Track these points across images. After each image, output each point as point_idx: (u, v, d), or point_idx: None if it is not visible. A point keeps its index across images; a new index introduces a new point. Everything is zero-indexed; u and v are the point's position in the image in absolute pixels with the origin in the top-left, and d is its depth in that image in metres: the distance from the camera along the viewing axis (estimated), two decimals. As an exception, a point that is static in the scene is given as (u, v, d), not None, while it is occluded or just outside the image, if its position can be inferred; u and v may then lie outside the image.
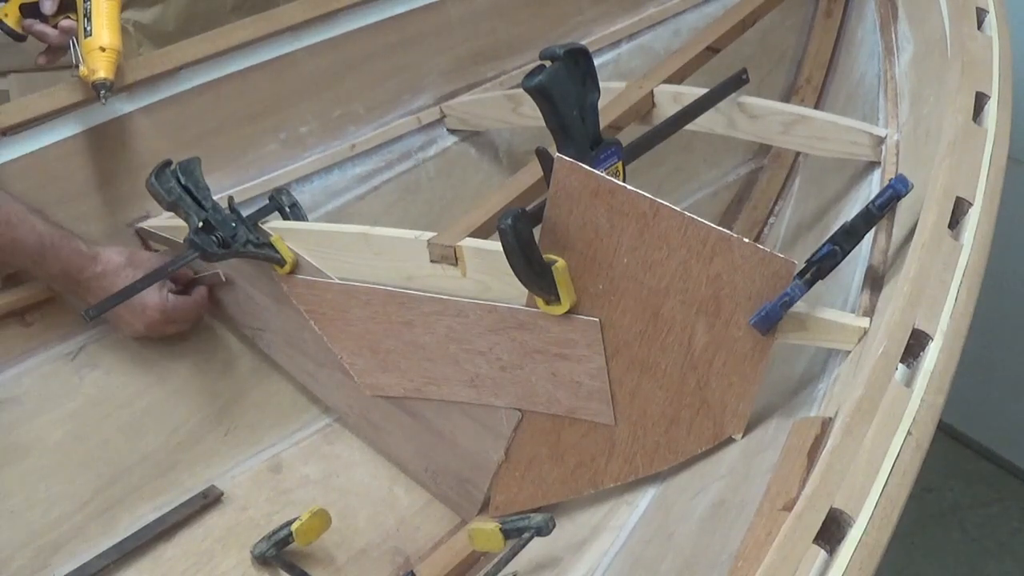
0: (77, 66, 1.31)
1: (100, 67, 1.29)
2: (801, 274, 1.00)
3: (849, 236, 1.03)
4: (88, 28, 1.30)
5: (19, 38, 1.37)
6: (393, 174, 1.63)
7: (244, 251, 1.27)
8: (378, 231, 1.23)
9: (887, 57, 1.49)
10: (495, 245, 1.07)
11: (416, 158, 1.66)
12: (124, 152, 1.40)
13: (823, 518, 0.70)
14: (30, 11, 1.35)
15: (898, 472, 0.73)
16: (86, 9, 1.30)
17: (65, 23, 1.34)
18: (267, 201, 1.39)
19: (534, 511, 1.25)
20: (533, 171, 1.29)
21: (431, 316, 1.22)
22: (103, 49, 1.29)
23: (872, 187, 1.30)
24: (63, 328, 1.38)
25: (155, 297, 1.34)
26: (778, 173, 1.86)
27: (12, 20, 1.35)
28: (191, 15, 1.76)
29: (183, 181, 1.26)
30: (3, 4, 1.34)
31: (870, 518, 0.70)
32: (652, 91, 1.47)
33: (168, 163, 1.26)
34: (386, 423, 1.39)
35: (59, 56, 1.38)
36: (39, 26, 1.35)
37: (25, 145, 1.32)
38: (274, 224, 1.33)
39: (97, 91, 1.28)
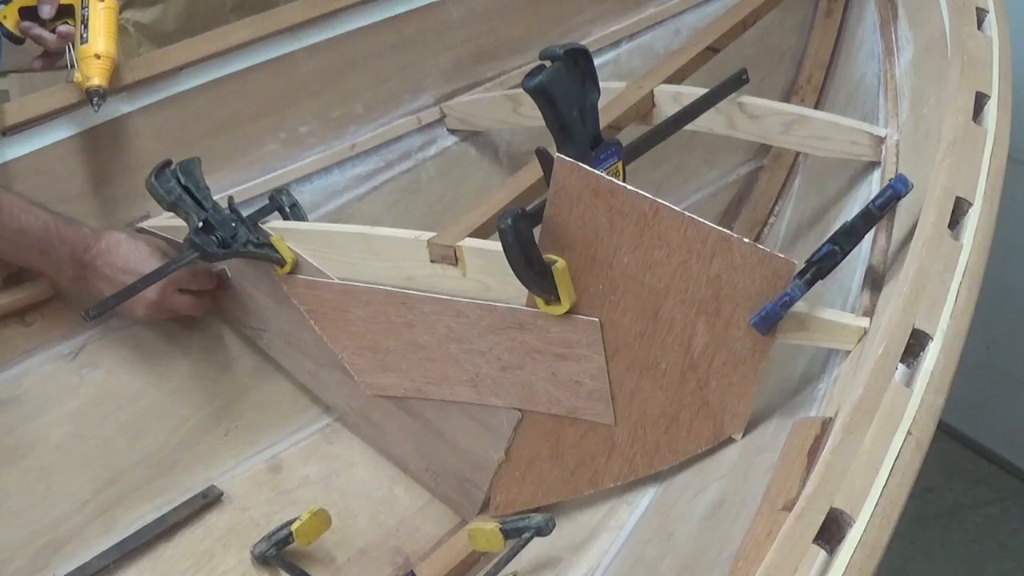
0: (71, 69, 1.31)
1: (94, 74, 1.29)
2: (801, 274, 1.00)
3: (849, 236, 1.03)
4: (85, 35, 1.30)
5: (17, 41, 1.37)
6: (393, 174, 1.63)
7: (244, 251, 1.27)
8: (378, 231, 1.23)
9: (887, 57, 1.49)
10: (495, 245, 1.07)
11: (416, 158, 1.66)
12: (124, 152, 1.40)
13: (823, 518, 0.70)
14: (29, 14, 1.35)
15: (898, 472, 0.73)
16: (84, 16, 1.31)
17: (63, 28, 1.34)
18: (267, 201, 1.39)
19: (534, 511, 1.25)
20: (533, 171, 1.29)
21: (431, 316, 1.22)
22: (98, 56, 1.29)
23: (872, 187, 1.30)
24: (63, 328, 1.38)
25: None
26: (778, 173, 1.86)
27: (11, 23, 1.35)
28: (191, 15, 1.77)
29: (183, 181, 1.26)
30: (2, 7, 1.34)
31: (870, 518, 0.70)
32: (652, 91, 1.47)
33: (168, 163, 1.26)
34: (386, 423, 1.39)
35: (55, 61, 1.38)
36: (37, 30, 1.35)
37: (25, 145, 1.32)
38: (274, 224, 1.33)
39: (90, 98, 1.28)
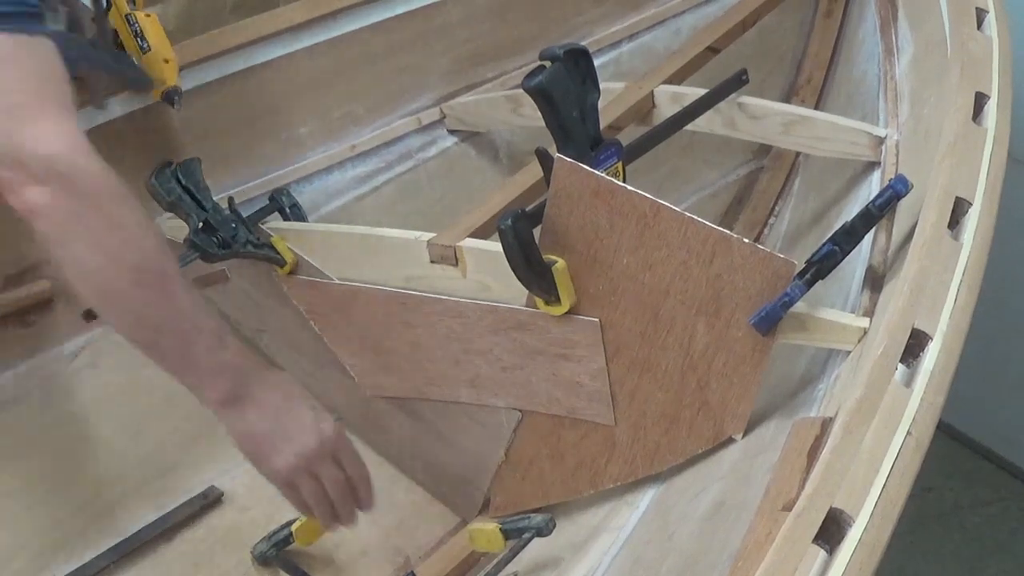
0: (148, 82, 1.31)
1: (167, 77, 1.31)
2: (801, 274, 1.00)
3: (849, 236, 1.03)
4: (145, 44, 1.31)
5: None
6: (393, 175, 1.63)
7: (244, 251, 1.27)
8: (378, 231, 1.23)
9: (887, 57, 1.49)
10: (495, 245, 1.07)
11: (416, 159, 1.66)
12: (124, 152, 1.40)
13: (823, 518, 0.70)
14: None
15: (898, 472, 0.73)
16: (135, 30, 1.31)
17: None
18: (267, 201, 1.39)
19: (534, 511, 1.25)
20: (533, 171, 1.29)
21: (431, 316, 1.22)
22: (167, 61, 1.31)
23: (872, 187, 1.30)
24: (63, 328, 1.38)
25: None
26: (778, 173, 1.86)
27: None
28: (191, 15, 1.76)
29: (183, 181, 1.26)
30: None
31: (870, 518, 0.70)
32: (652, 91, 1.47)
33: (168, 163, 1.26)
34: (386, 423, 1.39)
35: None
36: None
37: (25, 145, 1.32)
38: (274, 224, 1.33)
39: (171, 99, 1.30)
